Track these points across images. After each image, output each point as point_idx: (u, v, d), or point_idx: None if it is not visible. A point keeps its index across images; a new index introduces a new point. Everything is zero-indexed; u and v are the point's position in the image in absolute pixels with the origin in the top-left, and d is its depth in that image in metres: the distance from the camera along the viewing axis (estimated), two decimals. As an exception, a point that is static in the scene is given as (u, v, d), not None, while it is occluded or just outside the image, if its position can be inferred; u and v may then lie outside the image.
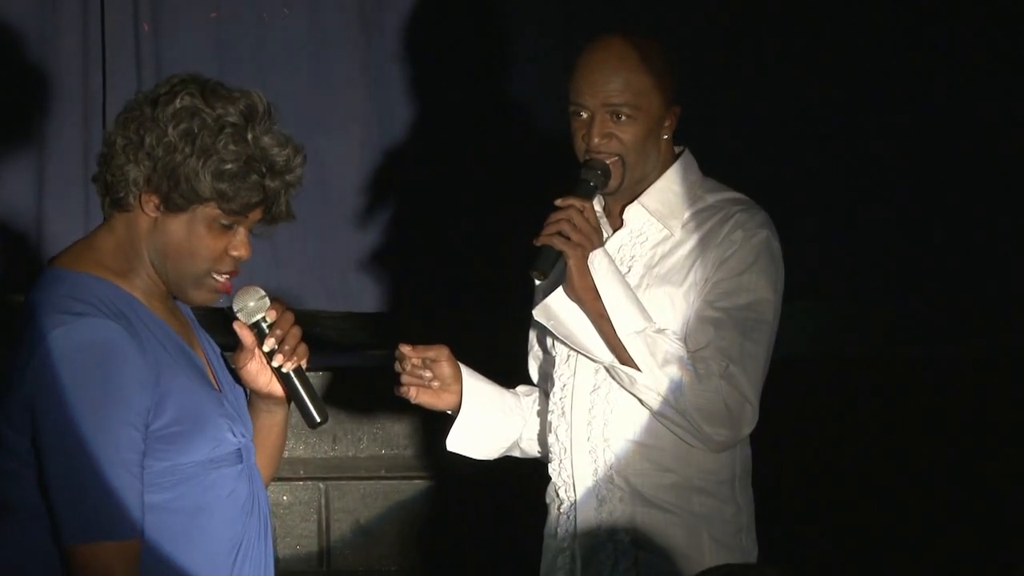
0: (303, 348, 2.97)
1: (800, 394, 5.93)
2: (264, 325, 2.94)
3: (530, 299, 3.80)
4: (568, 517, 3.74)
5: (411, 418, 5.84)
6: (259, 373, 2.98)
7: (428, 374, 3.62)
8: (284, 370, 2.96)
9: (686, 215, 3.70)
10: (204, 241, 2.85)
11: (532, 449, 3.86)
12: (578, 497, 3.71)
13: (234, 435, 2.91)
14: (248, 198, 2.83)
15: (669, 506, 3.66)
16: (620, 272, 3.60)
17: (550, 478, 3.77)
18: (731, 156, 6.13)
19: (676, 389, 3.55)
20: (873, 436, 6.04)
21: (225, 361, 3.04)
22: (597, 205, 3.74)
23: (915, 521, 5.89)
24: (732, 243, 3.64)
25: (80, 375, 2.73)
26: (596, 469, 3.69)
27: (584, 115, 3.65)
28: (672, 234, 3.69)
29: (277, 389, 2.99)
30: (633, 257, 3.69)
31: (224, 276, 2.90)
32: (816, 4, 6.28)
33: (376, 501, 5.72)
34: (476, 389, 3.69)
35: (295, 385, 2.97)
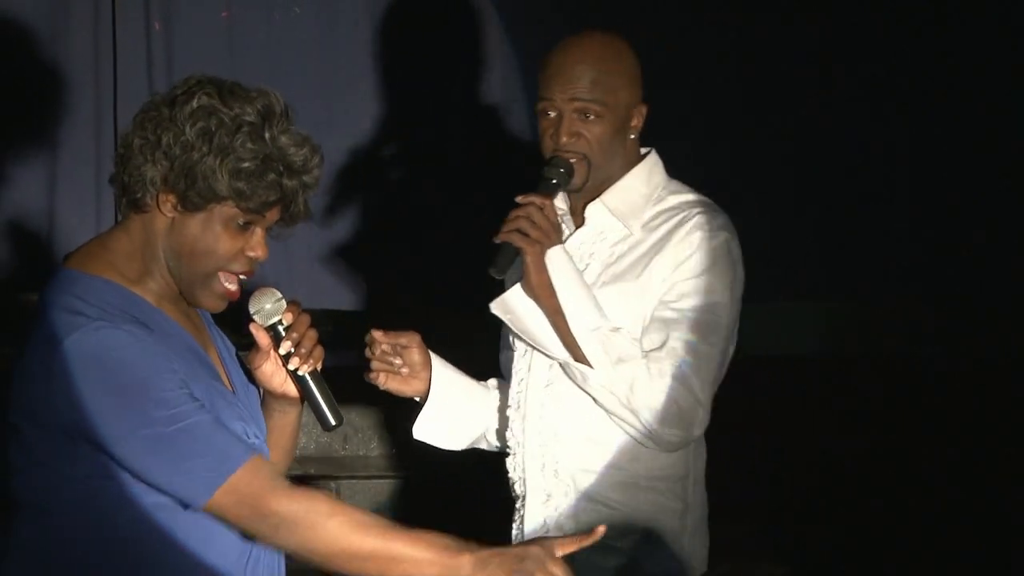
0: (319, 351, 2.97)
1: (804, 393, 5.95)
2: (280, 328, 2.94)
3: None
4: (520, 513, 3.76)
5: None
6: (274, 374, 2.98)
7: (398, 360, 3.62)
8: (300, 373, 2.96)
9: (647, 215, 3.70)
10: (221, 240, 2.85)
11: (499, 441, 3.87)
12: (528, 492, 3.72)
13: (247, 435, 2.90)
14: (265, 197, 2.83)
15: (614, 503, 3.66)
16: (577, 270, 3.60)
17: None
18: (735, 156, 6.18)
19: (629, 388, 3.55)
20: (876, 435, 6.05)
21: (240, 361, 3.04)
22: (563, 203, 3.75)
23: (915, 520, 5.91)
24: (690, 245, 3.64)
25: (111, 373, 2.74)
26: (544, 464, 3.69)
27: (552, 113, 3.66)
28: (632, 233, 3.69)
29: (291, 390, 2.99)
30: (592, 254, 3.70)
31: (234, 282, 2.89)
32: (821, 4, 6.30)
33: (387, 500, 5.73)
34: (445, 378, 3.69)
35: (311, 388, 2.97)
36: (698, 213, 3.67)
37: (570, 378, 3.61)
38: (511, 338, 3.76)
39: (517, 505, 3.77)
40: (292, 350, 2.94)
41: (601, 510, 3.65)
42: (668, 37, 6.14)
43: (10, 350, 2.89)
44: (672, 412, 3.56)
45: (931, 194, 6.31)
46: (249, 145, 2.81)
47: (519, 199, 3.56)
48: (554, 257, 3.55)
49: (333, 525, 2.77)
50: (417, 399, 3.70)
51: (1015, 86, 6.21)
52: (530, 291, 3.56)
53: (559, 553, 2.83)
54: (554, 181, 3.63)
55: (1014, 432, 5.87)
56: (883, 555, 5.89)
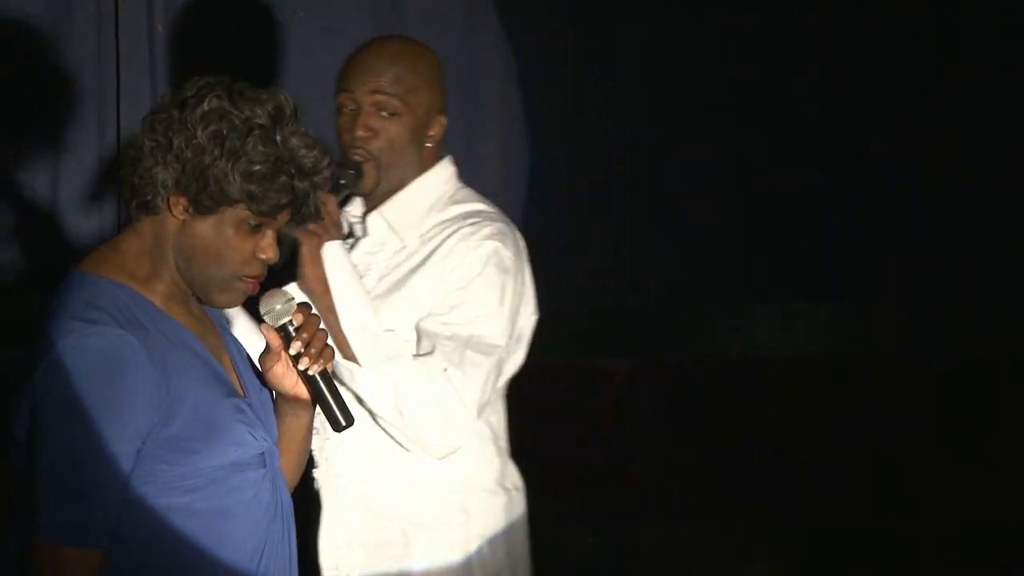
0: (329, 351, 2.97)
1: (809, 393, 5.95)
2: (291, 328, 2.95)
3: None
4: (321, 528, 3.77)
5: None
6: (285, 376, 2.98)
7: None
8: (310, 373, 2.96)
9: (425, 226, 3.69)
10: (232, 243, 2.85)
11: None
12: (325, 507, 3.74)
13: (256, 439, 2.91)
14: (277, 199, 2.84)
15: (392, 514, 3.67)
16: (353, 267, 3.57)
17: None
18: (746, 159, 6.19)
19: (396, 389, 3.53)
20: (877, 435, 6.05)
21: (252, 364, 3.04)
22: (359, 208, 3.74)
23: (919, 521, 5.91)
24: (456, 256, 3.63)
25: (83, 383, 2.73)
26: (341, 480, 3.71)
27: (351, 107, 3.66)
28: (406, 246, 3.68)
29: (303, 392, 2.99)
30: (370, 266, 3.69)
31: (249, 283, 2.91)
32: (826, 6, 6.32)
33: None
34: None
35: (321, 388, 2.97)
36: (469, 224, 3.65)
37: (339, 378, 3.57)
38: None
39: (323, 517, 3.76)
40: (302, 351, 2.94)
41: (387, 524, 3.66)
42: (668, 39, 6.17)
43: (12, 351, 2.88)
44: (437, 417, 3.54)
45: (936, 194, 6.32)
46: (260, 148, 2.82)
47: None
48: (330, 251, 3.54)
49: None
50: None
51: (1017, 86, 6.21)
52: (304, 285, 3.55)
53: None
54: (341, 181, 3.62)
55: (1017, 433, 5.89)
56: (899, 558, 5.88)
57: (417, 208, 3.68)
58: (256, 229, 2.87)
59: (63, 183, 6.21)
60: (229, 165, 2.81)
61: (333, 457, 3.70)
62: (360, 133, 3.62)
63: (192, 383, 2.84)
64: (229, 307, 2.96)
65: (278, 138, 2.83)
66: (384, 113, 3.62)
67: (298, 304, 2.96)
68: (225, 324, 3.08)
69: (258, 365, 3.02)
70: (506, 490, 3.78)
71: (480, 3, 6.34)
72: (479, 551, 3.69)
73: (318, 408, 3.03)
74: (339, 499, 3.70)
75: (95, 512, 2.74)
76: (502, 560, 3.74)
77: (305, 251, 3.51)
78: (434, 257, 3.63)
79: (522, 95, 6.42)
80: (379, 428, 3.61)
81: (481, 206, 3.74)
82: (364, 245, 3.70)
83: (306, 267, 3.51)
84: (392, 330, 3.56)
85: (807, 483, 6.04)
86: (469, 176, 3.90)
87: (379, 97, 3.62)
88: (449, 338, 3.55)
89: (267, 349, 2.98)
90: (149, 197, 2.85)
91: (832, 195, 6.36)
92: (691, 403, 6.30)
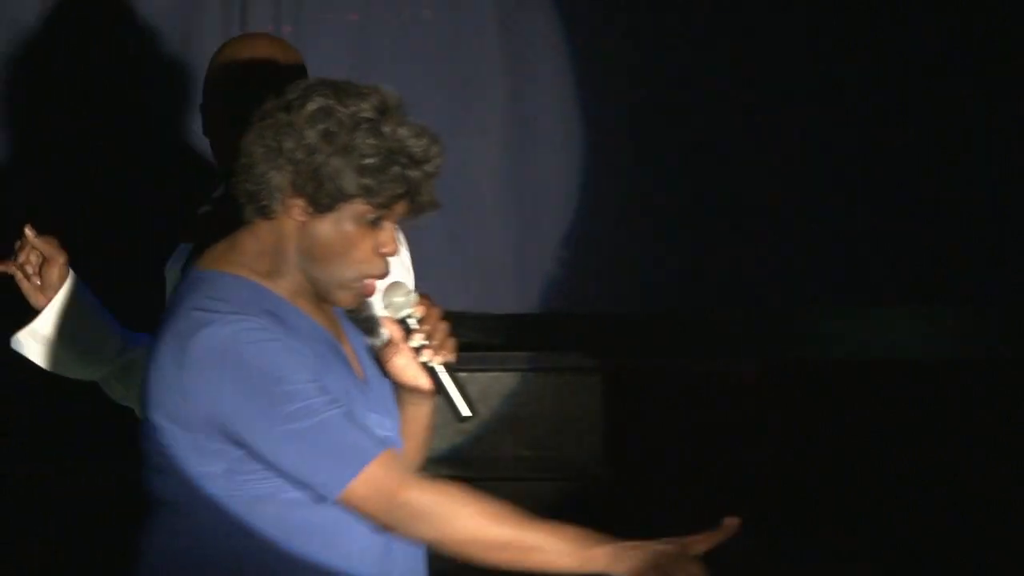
0: (451, 342, 2.99)
1: (915, 396, 5.91)
2: (411, 320, 2.97)
3: None
4: None
5: (554, 420, 5.83)
6: (406, 368, 3.00)
7: (30, 268, 3.60)
8: (432, 364, 2.98)
9: None
10: (353, 239, 2.86)
11: (115, 395, 3.81)
12: None
13: (381, 427, 2.92)
14: (393, 190, 2.84)
15: None
16: None
17: None
18: (878, 157, 6.13)
19: None
20: (984, 438, 5.99)
21: (372, 355, 3.05)
22: None
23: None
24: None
25: (243, 364, 2.76)
26: None
27: None
28: None
29: (424, 383, 3.01)
30: None
31: (372, 279, 2.91)
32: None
33: (518, 502, 5.69)
34: (67, 307, 3.63)
35: (442, 380, 2.99)
36: None
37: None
38: None
39: None
40: (424, 342, 2.96)
41: None
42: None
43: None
44: None
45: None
46: (370, 141, 2.83)
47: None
48: None
49: (467, 514, 2.80)
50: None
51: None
52: None
53: (695, 551, 2.82)
54: None
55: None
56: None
57: None
58: (375, 223, 2.88)
59: (188, 187, 6.26)
60: (342, 161, 2.82)
61: None
62: None
63: (328, 372, 2.86)
64: (350, 307, 2.96)
65: (386, 130, 2.84)
66: None
67: (419, 295, 2.99)
68: (344, 314, 3.08)
69: (379, 357, 3.04)
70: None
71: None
72: None
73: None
74: None
75: (350, 430, 2.79)
76: None
77: None
78: None
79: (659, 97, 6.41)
80: None
81: None
82: None
83: None
84: None
85: (941, 488, 5.99)
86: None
87: None
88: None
89: (388, 341, 3.00)
90: (266, 202, 2.86)
91: (971, 194, 6.30)
92: (820, 405, 6.25)
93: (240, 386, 2.76)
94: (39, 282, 3.62)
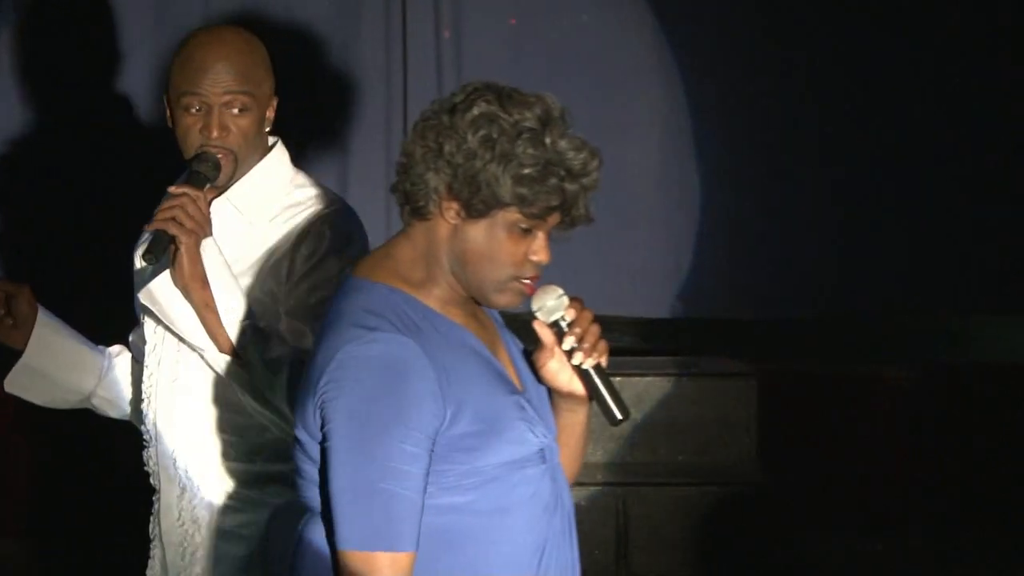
0: (603, 345, 2.96)
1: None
2: (563, 323, 2.95)
3: None
4: (156, 506, 3.73)
5: (709, 425, 5.81)
6: (559, 372, 2.98)
7: (1, 310, 3.63)
8: (584, 367, 2.95)
9: (273, 210, 3.67)
10: (504, 246, 2.85)
11: (108, 409, 3.85)
12: (162, 486, 3.71)
13: (535, 435, 2.91)
14: (547, 202, 2.82)
15: (245, 496, 3.64)
16: (227, 262, 3.58)
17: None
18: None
19: (272, 383, 3.52)
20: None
21: (528, 361, 3.04)
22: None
23: None
24: (313, 237, 3.61)
25: (368, 390, 2.77)
26: (176, 459, 3.68)
27: (198, 108, 3.62)
28: (258, 229, 3.66)
29: (578, 387, 2.98)
30: (222, 249, 3.65)
31: (526, 280, 2.89)
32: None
33: (673, 507, 5.70)
34: (47, 334, 3.68)
35: (595, 382, 2.96)
36: (319, 208, 3.67)
37: (212, 370, 3.60)
38: (144, 330, 3.73)
39: (154, 498, 3.75)
40: (576, 345, 2.94)
41: (233, 503, 3.64)
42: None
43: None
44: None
45: None
46: (530, 151, 2.81)
47: (171, 189, 3.54)
48: (208, 249, 3.54)
49: None
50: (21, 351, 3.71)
51: None
52: (181, 281, 3.54)
53: None
54: (205, 175, 3.60)
55: None
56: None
57: (262, 192, 3.71)
58: (527, 232, 2.86)
59: (350, 188, 6.33)
60: (500, 169, 2.81)
61: (175, 437, 3.71)
62: (216, 134, 3.62)
63: (473, 382, 2.85)
64: (507, 308, 2.95)
65: (547, 141, 2.82)
66: (235, 110, 3.63)
67: (570, 299, 2.96)
68: (501, 321, 3.09)
69: (532, 361, 3.02)
70: None
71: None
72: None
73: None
74: (179, 478, 3.72)
75: (401, 516, 2.77)
76: None
77: (184, 251, 3.53)
78: (291, 239, 3.65)
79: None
80: (225, 413, 3.65)
81: (322, 189, 3.77)
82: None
83: (185, 266, 3.54)
84: (268, 324, 3.60)
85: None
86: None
87: (229, 96, 3.63)
88: (300, 317, 3.59)
89: (540, 345, 2.98)
90: (421, 203, 2.86)
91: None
92: (973, 409, 6.18)
93: (362, 406, 2.77)
94: (11, 320, 3.68)
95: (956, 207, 6.37)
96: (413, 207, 2.88)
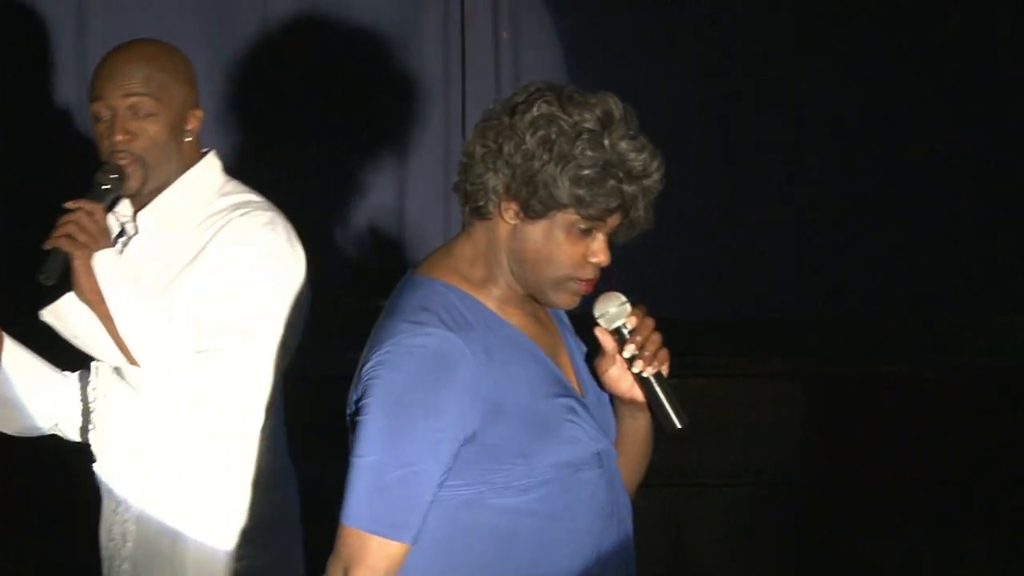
0: (664, 353, 2.95)
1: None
2: (625, 331, 2.95)
3: None
4: (101, 519, 3.77)
5: (762, 426, 5.80)
6: (620, 379, 2.98)
7: None
8: (644, 375, 2.95)
9: (197, 219, 3.66)
10: (563, 247, 2.86)
11: (73, 435, 3.86)
12: (103, 502, 3.74)
13: (590, 438, 2.91)
14: (606, 203, 2.83)
15: (162, 511, 3.66)
16: (127, 273, 3.57)
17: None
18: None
19: (182, 388, 3.54)
20: None
21: (589, 366, 3.04)
22: (128, 208, 3.72)
23: None
24: (229, 244, 3.61)
25: (408, 378, 2.78)
26: (112, 476, 3.70)
27: (106, 115, 3.63)
28: (183, 238, 3.65)
29: (638, 395, 2.98)
30: (145, 261, 3.66)
31: (584, 281, 2.90)
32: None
33: (722, 509, 5.69)
34: (12, 364, 3.69)
35: (655, 390, 2.96)
36: (240, 214, 3.65)
37: (128, 383, 3.60)
38: None
39: (102, 510, 3.78)
40: (637, 353, 2.93)
41: (152, 518, 3.66)
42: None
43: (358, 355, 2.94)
44: (223, 407, 3.56)
45: None
46: (589, 152, 2.81)
47: (68, 205, 3.54)
48: (101, 262, 3.53)
49: None
50: None
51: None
52: (81, 296, 3.54)
53: None
54: (105, 187, 3.61)
55: None
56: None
57: (187, 202, 3.71)
58: (586, 233, 2.87)
59: (410, 188, 6.34)
60: (558, 170, 2.81)
61: (107, 451, 3.74)
62: (119, 137, 3.63)
63: (521, 383, 2.85)
64: (566, 308, 2.96)
65: (607, 142, 2.82)
66: (140, 114, 3.64)
67: (632, 306, 2.95)
68: (566, 322, 3.08)
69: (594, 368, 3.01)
70: (274, 487, 3.77)
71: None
72: (246, 545, 3.71)
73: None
74: (114, 493, 3.74)
75: (405, 507, 2.79)
76: (267, 556, 3.75)
77: (77, 263, 3.54)
78: (208, 248, 3.64)
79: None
80: (154, 424, 3.66)
81: (251, 196, 3.75)
82: (136, 243, 3.73)
83: (80, 279, 3.55)
84: (175, 331, 3.59)
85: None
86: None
87: (133, 99, 3.64)
88: (228, 329, 3.58)
89: (602, 352, 2.98)
90: (481, 203, 2.87)
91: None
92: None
93: (395, 389, 2.78)
94: None
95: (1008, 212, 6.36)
96: (473, 207, 2.89)
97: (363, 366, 2.82)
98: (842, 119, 6.49)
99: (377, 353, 2.80)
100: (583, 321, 3.03)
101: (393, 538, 2.79)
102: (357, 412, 2.82)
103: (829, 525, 5.81)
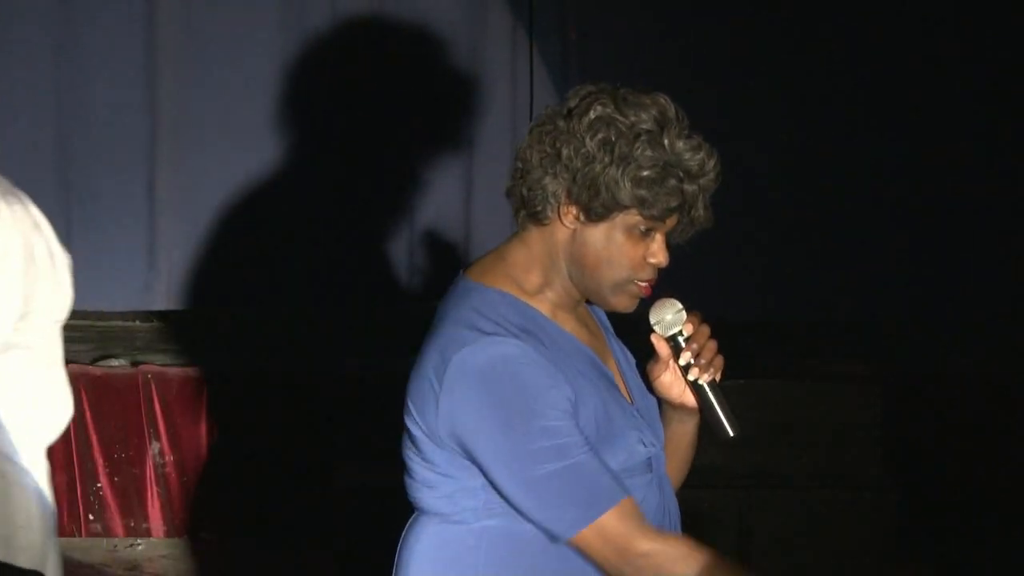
0: (719, 360, 2.93)
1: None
2: (680, 339, 2.93)
3: None
4: None
5: (829, 428, 5.76)
6: (672, 384, 2.97)
7: None
8: (700, 383, 2.93)
9: None
10: (623, 249, 2.84)
11: None
12: None
13: (644, 445, 2.90)
14: (667, 203, 2.81)
15: None
16: None
17: None
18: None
19: None
20: None
21: (639, 369, 3.03)
22: None
23: None
24: None
25: (497, 391, 2.76)
26: None
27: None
28: None
29: (690, 400, 2.97)
30: None
31: (644, 283, 2.88)
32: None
33: (794, 511, 5.65)
34: None
35: (709, 398, 2.94)
36: None
37: None
38: None
39: None
40: (692, 361, 2.91)
41: None
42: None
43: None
44: None
45: None
46: (648, 153, 2.80)
47: None
48: None
49: (696, 568, 2.77)
50: None
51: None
52: None
53: None
54: None
55: None
56: None
57: None
58: (646, 234, 2.85)
59: (476, 190, 6.35)
60: (619, 172, 2.80)
61: None
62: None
63: (588, 388, 2.85)
64: (625, 311, 2.93)
65: (665, 142, 2.81)
66: None
67: (688, 313, 2.93)
68: (611, 330, 3.07)
69: (646, 373, 2.99)
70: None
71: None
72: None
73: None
74: None
75: (592, 475, 2.78)
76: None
77: None
78: None
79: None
80: None
81: None
82: None
83: None
84: None
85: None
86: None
87: None
88: None
89: (655, 358, 2.96)
90: (539, 208, 2.86)
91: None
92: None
93: (494, 413, 2.76)
94: None
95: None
96: (530, 212, 2.87)
97: (438, 382, 2.79)
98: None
99: (451, 373, 2.78)
100: (627, 326, 3.02)
101: (616, 502, 2.78)
102: (472, 455, 2.80)
103: (906, 531, 5.79)
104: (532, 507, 2.79)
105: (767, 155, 6.36)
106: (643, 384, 3.00)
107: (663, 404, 3.01)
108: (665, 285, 2.93)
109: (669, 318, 2.93)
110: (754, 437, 5.55)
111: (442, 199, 6.35)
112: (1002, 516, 6.01)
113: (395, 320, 6.08)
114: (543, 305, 2.89)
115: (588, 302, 2.96)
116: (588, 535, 2.78)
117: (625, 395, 2.95)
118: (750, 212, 6.19)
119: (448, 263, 6.27)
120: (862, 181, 6.47)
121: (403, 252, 6.28)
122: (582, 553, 2.80)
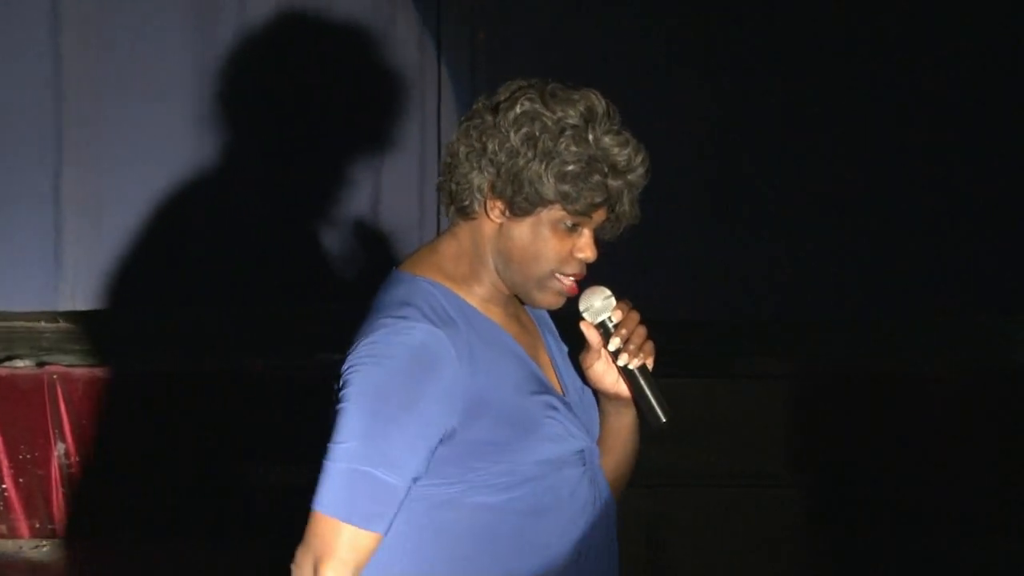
0: (649, 346, 2.93)
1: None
2: (610, 324, 2.93)
3: None
4: None
5: (742, 427, 5.80)
6: (605, 373, 2.96)
7: None
8: (630, 367, 2.93)
9: None
10: (549, 244, 2.84)
11: None
12: None
13: (572, 436, 2.90)
14: (591, 198, 2.81)
15: None
16: None
17: None
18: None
19: None
20: None
21: (574, 363, 3.02)
22: None
23: None
24: None
25: (391, 371, 2.77)
26: None
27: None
28: None
29: (624, 390, 2.96)
30: None
31: (569, 278, 2.88)
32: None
33: (710, 509, 5.69)
34: None
35: (640, 383, 2.94)
36: None
37: None
38: None
39: None
40: (621, 346, 2.91)
41: None
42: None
43: (334, 357, 2.93)
44: None
45: None
46: (573, 148, 2.81)
47: None
48: None
49: None
50: None
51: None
52: None
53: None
54: None
55: None
56: None
57: None
58: (573, 229, 2.86)
59: (384, 188, 6.34)
60: (543, 166, 2.81)
61: None
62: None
63: (503, 381, 2.84)
64: (550, 308, 2.93)
65: (590, 137, 2.82)
66: None
67: (617, 300, 2.94)
68: (548, 323, 3.06)
69: (579, 363, 2.99)
70: None
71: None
72: None
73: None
74: None
75: (380, 497, 2.77)
76: None
77: None
78: None
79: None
80: None
81: None
82: None
83: None
84: None
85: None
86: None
87: None
88: None
89: (587, 347, 2.96)
90: (466, 202, 2.86)
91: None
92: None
93: (370, 395, 2.77)
94: None
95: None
96: (458, 206, 2.87)
97: (347, 358, 2.81)
98: (842, 120, 6.49)
99: (360, 346, 2.79)
100: (568, 322, 3.01)
101: (366, 528, 2.77)
102: (338, 401, 2.80)
103: (826, 527, 5.84)
104: (329, 467, 2.77)
105: (690, 152, 6.40)
106: (579, 379, 2.99)
107: (600, 397, 3.00)
108: (592, 283, 2.93)
109: (598, 304, 2.93)
110: (663, 435, 5.59)
111: (352, 198, 6.34)
112: (906, 512, 6.06)
113: (300, 319, 6.09)
114: (473, 296, 2.89)
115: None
116: (324, 523, 2.77)
117: (557, 388, 2.94)
118: (669, 210, 6.23)
119: (357, 261, 6.26)
120: (778, 181, 6.51)
121: (312, 250, 6.27)
122: (308, 524, 2.79)
